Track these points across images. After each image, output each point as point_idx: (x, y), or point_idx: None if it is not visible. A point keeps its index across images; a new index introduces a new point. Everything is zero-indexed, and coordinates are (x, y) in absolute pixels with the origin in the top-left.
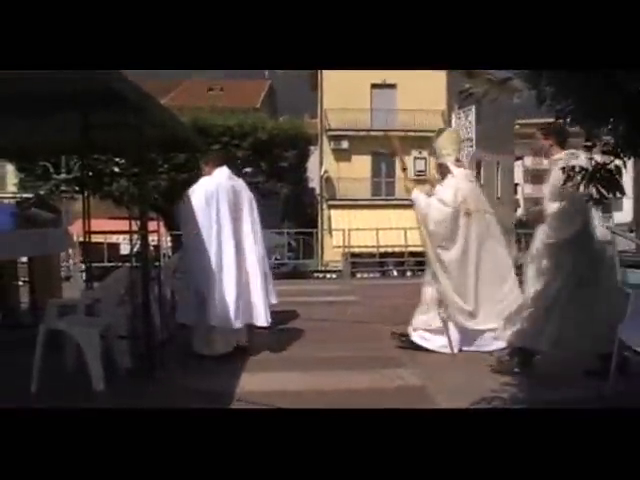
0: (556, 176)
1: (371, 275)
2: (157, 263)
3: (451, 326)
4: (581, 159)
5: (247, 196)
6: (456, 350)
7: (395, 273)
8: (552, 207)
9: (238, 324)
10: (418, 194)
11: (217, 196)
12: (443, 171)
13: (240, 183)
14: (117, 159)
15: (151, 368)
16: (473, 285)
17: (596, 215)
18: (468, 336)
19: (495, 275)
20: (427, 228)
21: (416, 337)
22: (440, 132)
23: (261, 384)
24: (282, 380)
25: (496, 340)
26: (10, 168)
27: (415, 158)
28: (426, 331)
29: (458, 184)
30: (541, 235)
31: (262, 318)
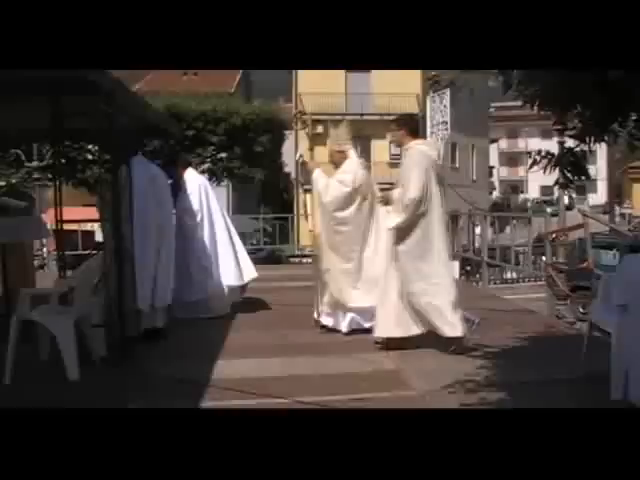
0: (405, 163)
1: None
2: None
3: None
4: (425, 147)
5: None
6: (345, 329)
7: None
8: (399, 192)
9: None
10: (319, 174)
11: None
12: (340, 157)
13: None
14: (90, 146)
15: (125, 357)
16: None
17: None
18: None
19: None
20: (325, 206)
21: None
22: (339, 123)
23: (236, 370)
24: (258, 366)
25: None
26: None
27: (391, 142)
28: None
29: (357, 170)
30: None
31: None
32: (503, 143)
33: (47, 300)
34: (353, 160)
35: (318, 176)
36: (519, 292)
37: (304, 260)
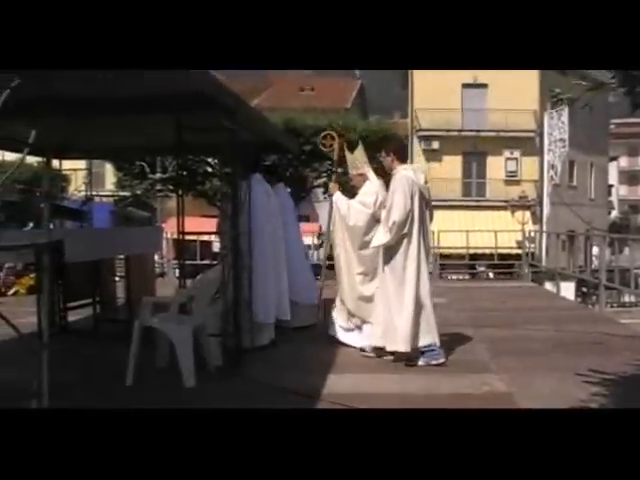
0: (391, 186)
1: (460, 277)
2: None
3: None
4: (410, 172)
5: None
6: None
7: (491, 275)
8: (385, 213)
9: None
10: (339, 195)
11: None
12: (360, 180)
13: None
14: (210, 159)
15: (239, 366)
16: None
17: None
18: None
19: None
20: (350, 230)
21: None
22: (355, 147)
23: (347, 385)
24: (368, 382)
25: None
26: (108, 167)
27: (507, 159)
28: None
29: (378, 191)
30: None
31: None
32: (623, 161)
33: (167, 308)
34: (373, 182)
35: (338, 199)
36: (637, 316)
37: None
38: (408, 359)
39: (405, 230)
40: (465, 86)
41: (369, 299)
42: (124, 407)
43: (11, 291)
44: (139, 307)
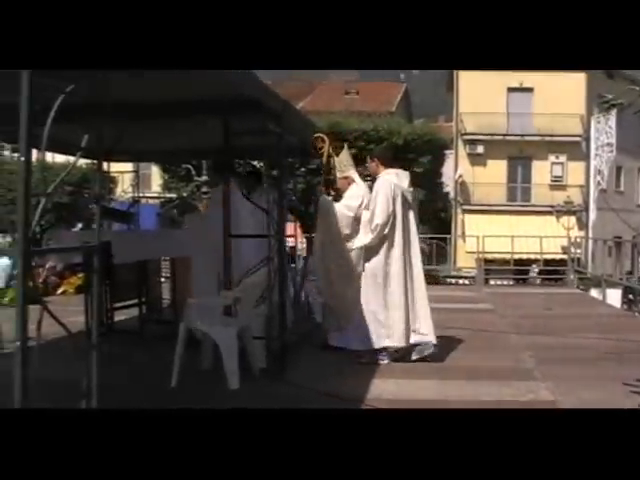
0: (374, 189)
1: (505, 282)
2: (293, 265)
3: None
4: (393, 176)
5: None
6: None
7: (538, 281)
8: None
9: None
10: (325, 198)
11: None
12: (345, 184)
13: None
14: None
15: (283, 369)
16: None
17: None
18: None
19: None
20: (330, 229)
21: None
22: (340, 149)
23: (390, 391)
24: (411, 387)
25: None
26: (155, 169)
27: (552, 163)
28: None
29: (364, 195)
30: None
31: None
32: None
33: (213, 310)
34: (359, 185)
35: (324, 200)
36: None
37: (460, 281)
38: (401, 356)
39: (386, 231)
40: (511, 90)
41: (349, 301)
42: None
43: (59, 290)
44: (184, 309)
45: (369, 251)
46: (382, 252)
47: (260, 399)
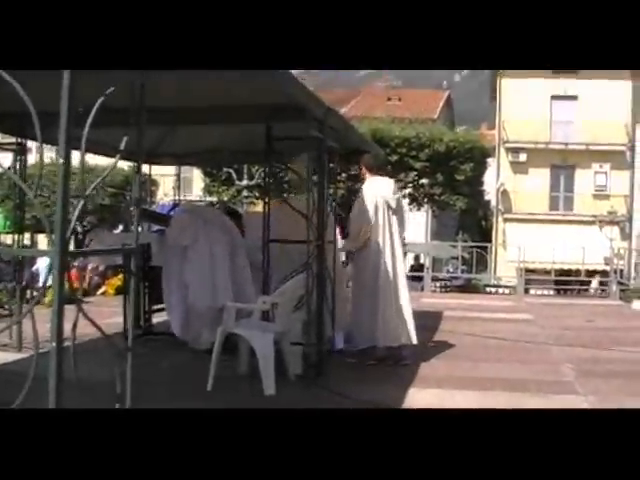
0: (358, 196)
1: (545, 292)
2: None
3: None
4: (379, 182)
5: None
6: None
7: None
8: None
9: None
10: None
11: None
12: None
13: None
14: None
15: (319, 376)
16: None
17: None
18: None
19: None
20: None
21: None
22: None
23: (427, 400)
24: (446, 398)
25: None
26: (197, 173)
27: (595, 172)
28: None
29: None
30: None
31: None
32: None
33: (250, 315)
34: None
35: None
36: None
37: (500, 290)
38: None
39: (367, 236)
40: (554, 98)
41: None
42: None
43: (99, 291)
44: (223, 313)
45: (355, 256)
46: (367, 257)
47: (294, 405)
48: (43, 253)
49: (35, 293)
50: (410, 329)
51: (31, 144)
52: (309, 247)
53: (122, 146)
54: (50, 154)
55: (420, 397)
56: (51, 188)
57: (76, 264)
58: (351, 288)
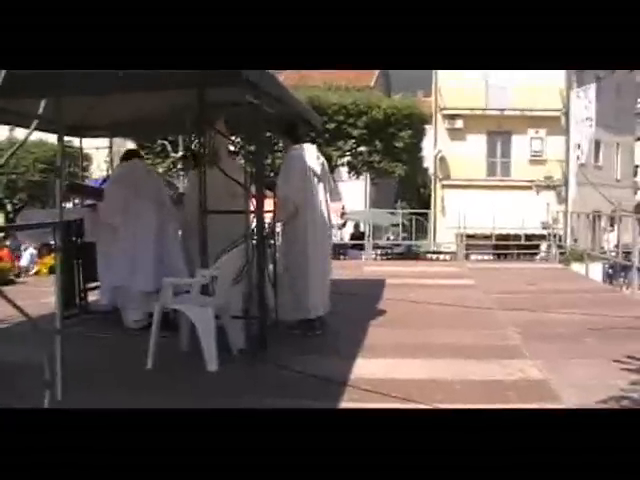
0: (284, 165)
1: (485, 257)
2: (272, 242)
3: None
4: (302, 150)
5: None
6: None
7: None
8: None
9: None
10: None
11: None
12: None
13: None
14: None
15: (263, 350)
16: None
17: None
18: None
19: None
20: None
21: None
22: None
23: (374, 371)
24: (395, 367)
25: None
26: (130, 145)
27: (531, 138)
28: None
29: None
30: None
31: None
32: None
33: (189, 289)
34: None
35: None
36: None
37: (441, 257)
38: (310, 328)
39: (294, 208)
40: None
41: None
42: (144, 392)
43: (32, 271)
44: (161, 288)
45: (286, 225)
46: (295, 228)
47: (239, 381)
48: None
49: None
50: (326, 299)
51: None
52: (247, 217)
53: (40, 111)
54: None
55: (367, 368)
56: None
57: (8, 243)
58: (281, 259)
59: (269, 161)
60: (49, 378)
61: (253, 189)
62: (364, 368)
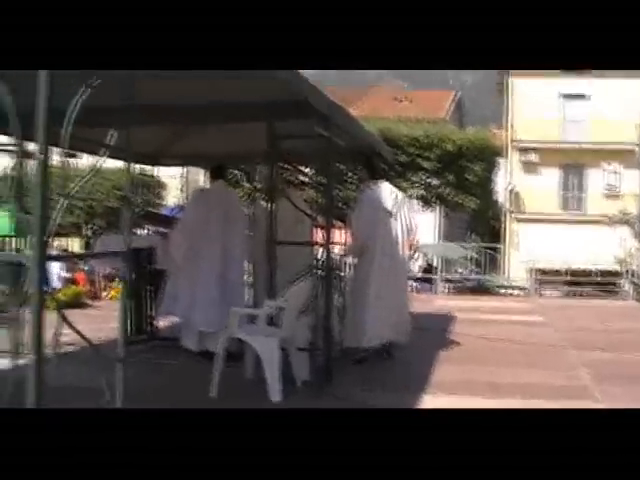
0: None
1: (557, 293)
2: (341, 274)
3: None
4: (377, 189)
5: None
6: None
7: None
8: None
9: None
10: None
11: None
12: None
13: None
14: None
15: (327, 382)
16: None
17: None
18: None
19: None
20: None
21: None
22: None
23: (438, 407)
24: (460, 405)
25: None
26: (202, 176)
27: (606, 172)
28: None
29: None
30: None
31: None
32: None
33: (255, 320)
34: None
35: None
36: None
37: (512, 291)
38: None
39: (365, 248)
40: (565, 97)
41: None
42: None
43: (106, 294)
44: (227, 318)
45: (358, 258)
46: (365, 259)
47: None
48: (17, 257)
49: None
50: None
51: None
52: (314, 249)
53: (108, 140)
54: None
55: (432, 405)
56: (58, 192)
57: (85, 268)
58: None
59: (340, 193)
60: (109, 400)
61: (321, 220)
62: (429, 404)
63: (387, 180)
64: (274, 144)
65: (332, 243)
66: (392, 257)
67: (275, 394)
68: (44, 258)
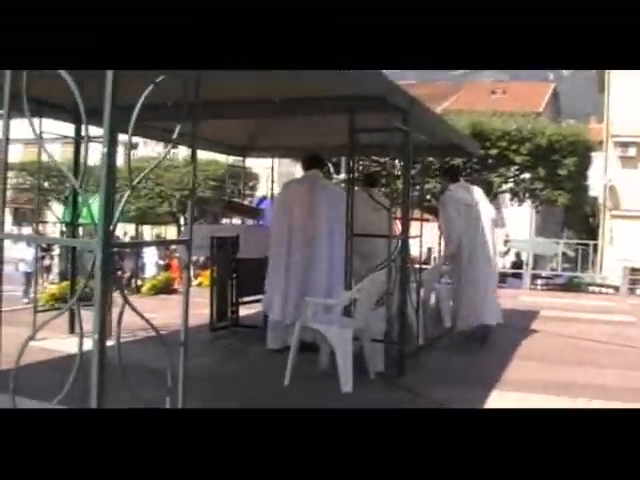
0: (440, 205)
1: None
2: (417, 267)
3: None
4: (457, 191)
5: None
6: None
7: None
8: None
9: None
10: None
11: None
12: None
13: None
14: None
15: (401, 375)
16: None
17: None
18: None
19: None
20: None
21: None
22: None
23: (506, 405)
24: (529, 404)
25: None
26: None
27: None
28: None
29: None
30: None
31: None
32: None
33: (330, 310)
34: None
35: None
36: None
37: (603, 290)
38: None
39: (456, 245)
40: None
41: None
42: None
43: (195, 282)
44: (302, 308)
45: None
46: (457, 259)
47: (370, 404)
48: (85, 244)
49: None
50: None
51: (136, 139)
52: (391, 241)
53: (175, 135)
54: (157, 149)
55: (501, 402)
56: (154, 180)
57: (178, 255)
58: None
59: (430, 186)
60: (171, 385)
61: (399, 212)
62: (499, 402)
63: (467, 177)
64: (353, 136)
65: (410, 237)
66: (483, 247)
67: (346, 385)
68: (109, 246)
